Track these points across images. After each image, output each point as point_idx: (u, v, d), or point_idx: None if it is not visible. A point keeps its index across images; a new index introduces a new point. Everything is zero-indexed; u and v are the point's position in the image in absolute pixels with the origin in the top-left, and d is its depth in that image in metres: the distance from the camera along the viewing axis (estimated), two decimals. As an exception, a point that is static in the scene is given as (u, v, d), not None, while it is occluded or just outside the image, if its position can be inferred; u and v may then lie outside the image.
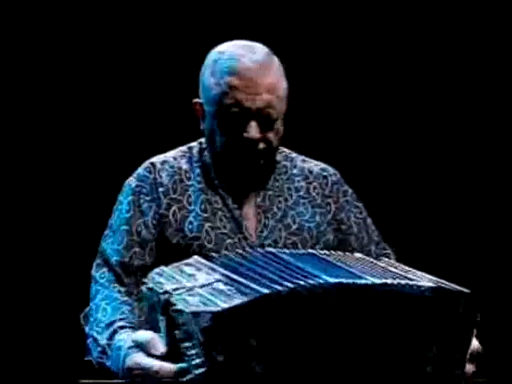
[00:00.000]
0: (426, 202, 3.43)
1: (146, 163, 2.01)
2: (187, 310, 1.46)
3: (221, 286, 1.55)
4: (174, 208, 1.95)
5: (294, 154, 2.11)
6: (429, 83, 3.44)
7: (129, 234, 1.94)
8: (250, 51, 1.89)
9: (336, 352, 1.48)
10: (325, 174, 2.08)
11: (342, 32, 3.38)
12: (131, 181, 2.00)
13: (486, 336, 3.44)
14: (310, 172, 2.07)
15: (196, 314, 1.44)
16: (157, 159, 2.02)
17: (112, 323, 1.82)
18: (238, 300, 1.46)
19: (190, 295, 1.53)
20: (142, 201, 1.96)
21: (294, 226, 2.00)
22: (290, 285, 1.46)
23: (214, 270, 1.64)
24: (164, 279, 1.65)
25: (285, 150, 2.10)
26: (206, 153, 2.02)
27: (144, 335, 1.61)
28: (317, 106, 3.35)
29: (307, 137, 3.06)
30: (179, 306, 1.49)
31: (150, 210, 1.95)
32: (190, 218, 1.94)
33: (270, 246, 1.93)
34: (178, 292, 1.55)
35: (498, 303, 3.33)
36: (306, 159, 2.12)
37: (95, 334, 1.84)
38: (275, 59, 1.95)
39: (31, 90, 3.23)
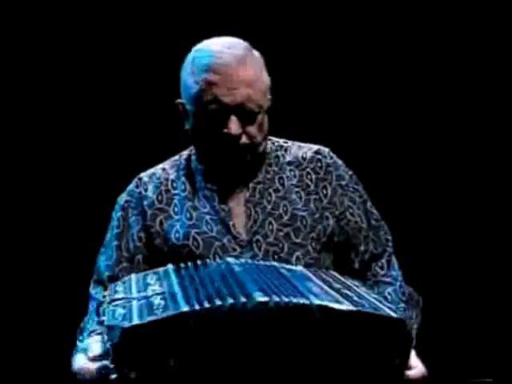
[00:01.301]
0: (420, 193, 3.35)
1: (135, 178, 2.03)
2: (105, 323, 1.43)
3: (157, 299, 1.50)
4: (160, 218, 1.94)
5: (289, 143, 2.03)
6: (424, 71, 3.33)
7: (118, 249, 1.96)
8: (227, 47, 1.86)
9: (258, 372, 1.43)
10: (319, 156, 1.99)
11: (333, 24, 3.30)
12: (121, 197, 2.02)
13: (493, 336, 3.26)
14: (304, 158, 1.98)
15: (110, 328, 1.41)
16: (145, 173, 2.02)
17: (94, 331, 1.81)
18: (152, 316, 1.40)
19: (123, 307, 1.49)
20: (129, 215, 1.97)
21: (286, 217, 1.92)
22: (207, 304, 1.42)
23: (169, 280, 1.60)
24: (120, 287, 1.63)
25: (279, 139, 2.03)
26: (193, 158, 1.99)
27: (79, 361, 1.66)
28: (314, 94, 3.27)
29: (305, 124, 3.03)
30: (103, 318, 1.46)
31: (137, 223, 1.96)
32: (177, 227, 1.92)
33: (258, 241, 1.88)
34: (115, 303, 1.52)
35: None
36: (302, 145, 2.03)
37: (77, 342, 1.85)
38: (254, 53, 1.90)
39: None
